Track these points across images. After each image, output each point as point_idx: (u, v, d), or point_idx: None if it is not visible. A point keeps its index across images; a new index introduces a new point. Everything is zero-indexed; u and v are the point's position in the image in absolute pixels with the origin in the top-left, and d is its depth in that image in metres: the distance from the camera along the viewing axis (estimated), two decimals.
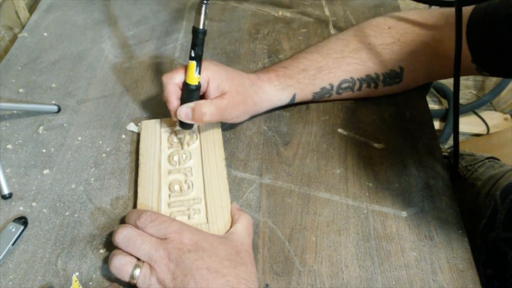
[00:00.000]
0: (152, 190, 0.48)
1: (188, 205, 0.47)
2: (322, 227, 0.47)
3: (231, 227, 0.45)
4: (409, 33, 0.54)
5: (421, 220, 0.48)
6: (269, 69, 0.55)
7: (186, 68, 0.47)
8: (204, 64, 0.47)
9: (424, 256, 0.45)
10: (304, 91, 0.55)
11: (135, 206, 0.48)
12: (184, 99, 0.48)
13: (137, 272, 0.39)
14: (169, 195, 0.48)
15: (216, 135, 0.53)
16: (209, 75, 0.48)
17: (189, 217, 0.46)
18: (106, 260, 0.44)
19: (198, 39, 0.45)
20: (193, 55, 0.45)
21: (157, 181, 0.49)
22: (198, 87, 0.47)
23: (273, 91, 0.54)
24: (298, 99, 0.56)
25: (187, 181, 0.49)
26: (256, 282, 0.41)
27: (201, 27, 0.44)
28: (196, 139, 0.53)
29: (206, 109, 0.47)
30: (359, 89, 0.57)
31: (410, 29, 0.55)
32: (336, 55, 0.55)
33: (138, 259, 0.40)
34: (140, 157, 0.51)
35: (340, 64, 0.55)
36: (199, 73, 0.46)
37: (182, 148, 0.52)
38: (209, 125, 0.54)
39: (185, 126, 0.50)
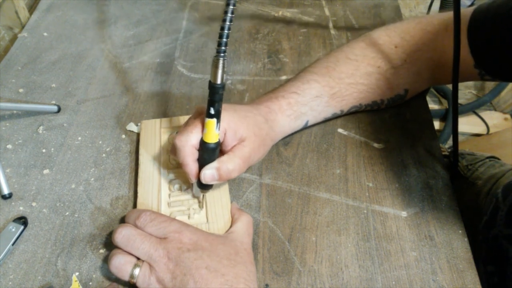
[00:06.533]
0: (152, 190, 0.48)
1: (188, 204, 0.47)
2: (322, 227, 0.47)
3: (231, 226, 0.45)
4: (414, 52, 0.54)
5: (421, 220, 0.48)
6: (278, 96, 0.51)
7: (201, 125, 0.42)
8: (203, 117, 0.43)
9: (424, 256, 0.45)
10: (317, 118, 0.54)
11: (135, 206, 0.48)
12: (204, 160, 0.43)
13: (136, 271, 0.39)
14: (169, 195, 0.48)
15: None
16: (224, 125, 0.43)
17: (189, 217, 0.46)
18: (106, 260, 0.44)
19: (217, 96, 0.40)
20: (212, 112, 0.40)
21: (157, 181, 0.49)
22: (218, 143, 0.43)
23: (286, 121, 0.51)
24: (310, 124, 0.55)
25: (187, 180, 0.49)
26: (256, 281, 0.41)
27: (219, 82, 0.39)
28: None
29: (231, 166, 0.43)
30: (363, 110, 0.58)
31: (415, 47, 0.54)
32: (348, 80, 0.53)
33: (138, 259, 0.40)
34: (140, 157, 0.51)
35: (353, 91, 0.54)
36: (219, 128, 0.42)
37: (201, 209, 0.47)
38: None
39: (205, 187, 0.45)
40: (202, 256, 0.39)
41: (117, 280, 0.42)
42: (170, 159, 0.51)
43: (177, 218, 0.46)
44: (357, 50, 0.55)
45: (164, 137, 0.53)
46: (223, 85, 0.40)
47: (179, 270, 0.38)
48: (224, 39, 0.38)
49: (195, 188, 0.47)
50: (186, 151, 0.42)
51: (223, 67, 0.39)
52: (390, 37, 0.55)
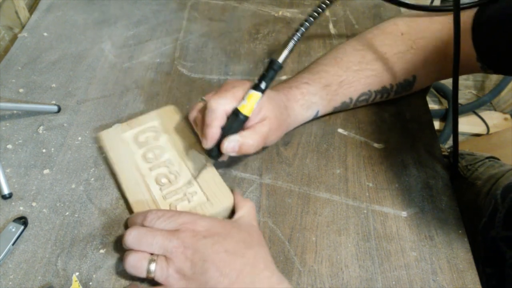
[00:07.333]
0: (142, 192, 0.48)
1: (182, 191, 0.48)
2: (322, 227, 0.47)
3: (235, 213, 0.46)
4: (420, 39, 0.54)
5: (421, 220, 0.48)
6: (291, 86, 0.52)
7: (240, 95, 0.43)
8: (246, 88, 0.44)
9: (424, 256, 0.45)
10: (327, 107, 0.55)
11: (131, 212, 0.48)
12: (230, 129, 0.44)
13: (152, 266, 0.39)
14: (160, 189, 0.48)
15: (174, 122, 0.54)
16: None
17: (189, 201, 0.47)
18: (107, 260, 0.44)
19: (273, 72, 0.42)
20: (263, 87, 0.42)
21: (142, 182, 0.48)
22: (247, 118, 0.44)
23: (299, 110, 0.52)
24: (320, 114, 0.55)
25: (172, 172, 0.49)
26: (273, 261, 0.41)
27: (281, 60, 0.41)
28: (163, 133, 0.53)
29: (252, 141, 0.44)
30: (373, 100, 0.57)
31: (421, 34, 0.54)
32: (355, 68, 0.54)
33: (152, 254, 0.40)
34: (115, 166, 0.50)
35: (360, 77, 0.54)
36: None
37: (195, 179, 0.48)
38: (167, 117, 0.55)
39: (215, 155, 0.46)
40: (219, 241, 0.39)
41: (133, 278, 0.42)
42: (146, 158, 0.50)
43: (178, 206, 0.46)
44: (364, 40, 0.56)
45: (130, 140, 0.52)
46: (281, 66, 0.42)
47: (198, 257, 0.38)
48: (303, 29, 0.41)
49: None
50: (217, 114, 0.43)
51: (291, 50, 0.42)
52: (397, 25, 0.56)
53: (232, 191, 0.48)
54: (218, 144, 0.44)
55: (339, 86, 0.54)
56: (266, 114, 0.46)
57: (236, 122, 0.43)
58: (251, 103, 0.42)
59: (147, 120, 0.54)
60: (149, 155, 0.51)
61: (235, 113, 0.43)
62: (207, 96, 0.48)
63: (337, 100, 0.55)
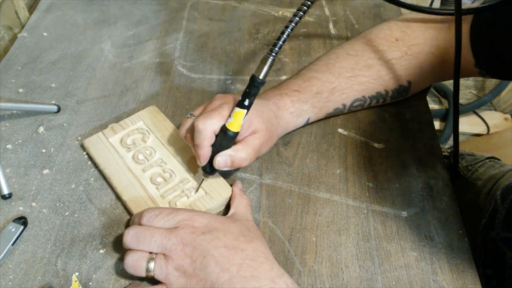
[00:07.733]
0: (139, 193, 0.48)
1: (180, 188, 0.48)
2: (322, 227, 0.47)
3: (229, 208, 0.46)
4: (415, 45, 0.54)
5: (422, 220, 0.48)
6: (282, 93, 0.52)
7: (226, 112, 0.44)
8: (234, 103, 0.45)
9: (424, 256, 0.45)
10: (318, 114, 0.55)
11: (130, 214, 0.48)
12: (220, 146, 0.44)
13: (151, 265, 0.39)
14: (157, 188, 0.48)
15: (158, 121, 0.54)
16: None
17: (188, 197, 0.47)
18: (106, 260, 0.44)
19: (255, 89, 0.43)
20: (246, 104, 0.43)
21: (137, 183, 0.49)
22: (237, 133, 0.44)
23: (290, 118, 0.52)
24: (311, 121, 0.55)
25: (166, 170, 0.50)
26: (271, 254, 0.41)
27: (261, 77, 0.42)
28: (149, 134, 0.53)
29: (245, 154, 0.45)
30: (369, 105, 0.57)
31: (416, 41, 0.54)
32: (348, 74, 0.53)
33: (151, 253, 0.40)
34: (105, 171, 0.50)
35: (353, 84, 0.54)
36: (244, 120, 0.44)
37: (197, 191, 0.48)
38: (150, 117, 0.55)
39: (210, 172, 0.47)
40: (218, 236, 0.40)
41: (133, 278, 0.42)
42: (136, 159, 0.50)
43: (178, 202, 0.47)
44: (357, 45, 0.56)
45: (116, 144, 0.52)
46: (263, 82, 0.42)
47: (198, 253, 0.38)
48: (281, 42, 0.41)
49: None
50: (206, 135, 0.43)
51: (270, 66, 0.42)
52: (391, 30, 0.56)
53: (231, 184, 0.49)
54: (211, 160, 0.45)
55: (331, 93, 0.53)
56: (257, 127, 0.46)
57: (225, 139, 0.44)
58: (238, 120, 0.43)
59: (131, 123, 0.54)
60: (139, 157, 0.51)
61: (224, 130, 0.44)
62: (196, 111, 0.48)
63: (329, 107, 0.54)
